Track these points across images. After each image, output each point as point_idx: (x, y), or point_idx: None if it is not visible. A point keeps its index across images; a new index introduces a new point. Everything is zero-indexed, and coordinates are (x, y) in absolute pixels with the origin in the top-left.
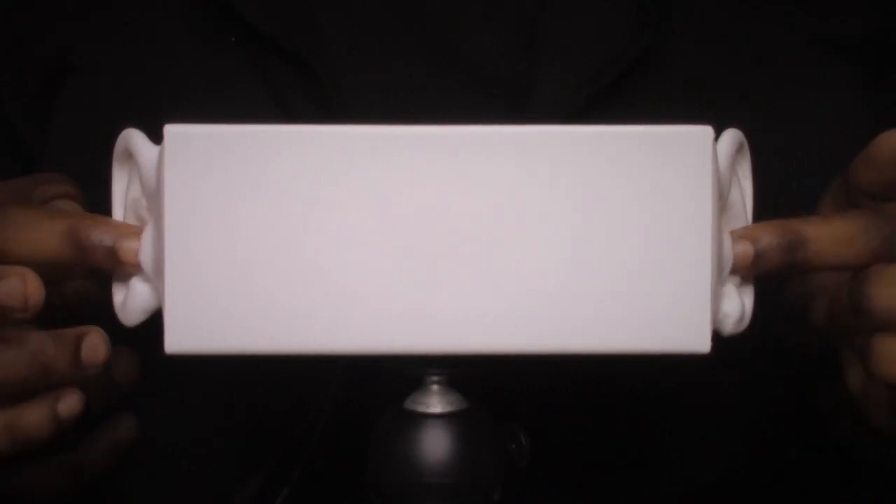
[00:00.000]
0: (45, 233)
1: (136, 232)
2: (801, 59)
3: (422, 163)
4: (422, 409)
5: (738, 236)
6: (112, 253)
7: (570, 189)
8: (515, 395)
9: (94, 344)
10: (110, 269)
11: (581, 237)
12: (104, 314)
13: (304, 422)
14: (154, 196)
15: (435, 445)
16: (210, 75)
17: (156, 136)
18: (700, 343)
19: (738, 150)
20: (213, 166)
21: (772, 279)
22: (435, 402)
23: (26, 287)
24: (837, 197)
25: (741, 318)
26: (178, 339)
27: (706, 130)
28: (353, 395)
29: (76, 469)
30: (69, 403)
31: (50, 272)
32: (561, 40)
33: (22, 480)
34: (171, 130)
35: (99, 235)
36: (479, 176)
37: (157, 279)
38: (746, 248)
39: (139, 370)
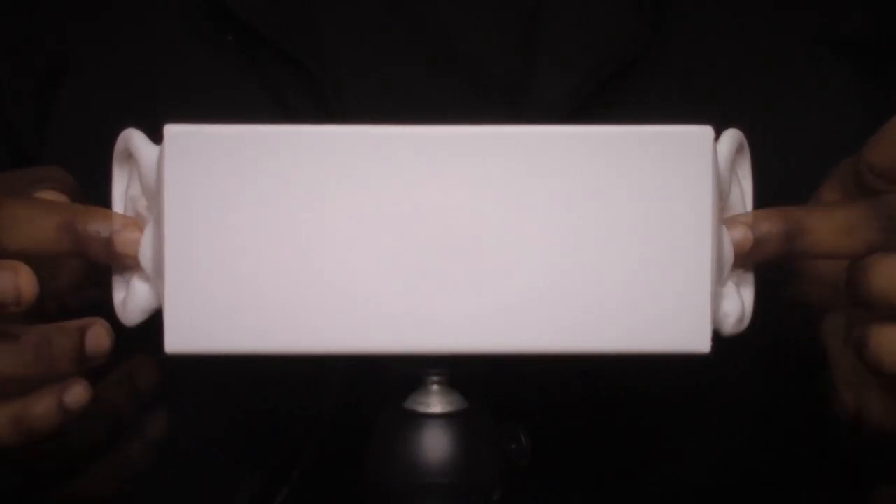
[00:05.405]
0: (40, 225)
1: (133, 223)
2: (801, 59)
3: (421, 163)
4: (422, 409)
5: (737, 222)
6: (109, 244)
7: (569, 189)
8: (515, 395)
9: (98, 335)
10: (108, 261)
11: (581, 237)
12: (103, 314)
13: (304, 422)
14: (154, 196)
15: (435, 445)
16: (210, 75)
17: (156, 136)
18: (700, 343)
19: (738, 150)
20: (213, 166)
21: (769, 266)
22: (435, 402)
23: (19, 280)
24: (840, 183)
25: (741, 318)
26: (178, 338)
27: (706, 130)
28: (353, 395)
29: (118, 472)
30: (76, 393)
31: (48, 265)
32: (560, 40)
33: (69, 489)
34: (171, 130)
35: (96, 226)
36: (479, 176)
37: (157, 279)
38: (746, 234)
39: (159, 378)
